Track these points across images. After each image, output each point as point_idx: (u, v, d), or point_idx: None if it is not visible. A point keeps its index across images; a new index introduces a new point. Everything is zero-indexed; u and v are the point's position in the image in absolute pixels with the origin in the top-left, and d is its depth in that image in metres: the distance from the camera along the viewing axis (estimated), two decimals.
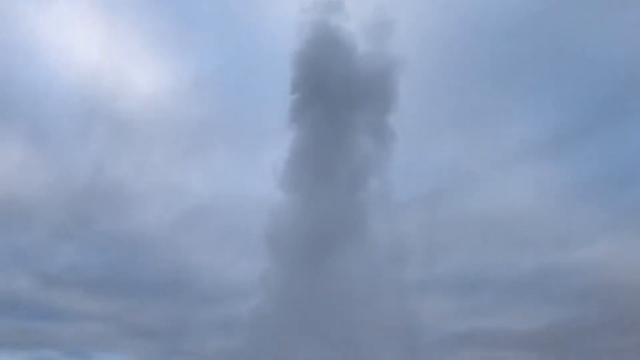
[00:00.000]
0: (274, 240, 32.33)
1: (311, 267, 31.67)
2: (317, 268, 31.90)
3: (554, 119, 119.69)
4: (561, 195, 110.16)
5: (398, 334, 36.41)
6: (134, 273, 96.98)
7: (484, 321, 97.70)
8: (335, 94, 33.84)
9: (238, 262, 32.86)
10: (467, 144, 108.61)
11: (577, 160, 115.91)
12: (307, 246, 31.86)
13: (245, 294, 34.34)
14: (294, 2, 34.87)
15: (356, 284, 34.25)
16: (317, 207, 32.47)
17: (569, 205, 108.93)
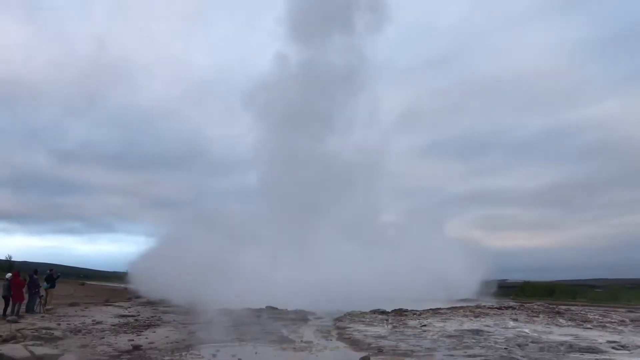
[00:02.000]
0: (266, 109, 32.79)
1: (308, 134, 32.33)
2: (317, 135, 32.55)
3: None
4: (570, 53, 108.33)
5: (403, 197, 37.75)
6: (147, 146, 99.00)
7: (493, 181, 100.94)
8: None
9: (247, 132, 33.75)
10: (474, 3, 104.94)
11: (586, 17, 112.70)
12: (305, 114, 32.32)
13: (256, 162, 35.41)
14: None
15: (362, 151, 35.22)
16: (313, 72, 32.51)
17: (577, 64, 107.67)
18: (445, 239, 33.51)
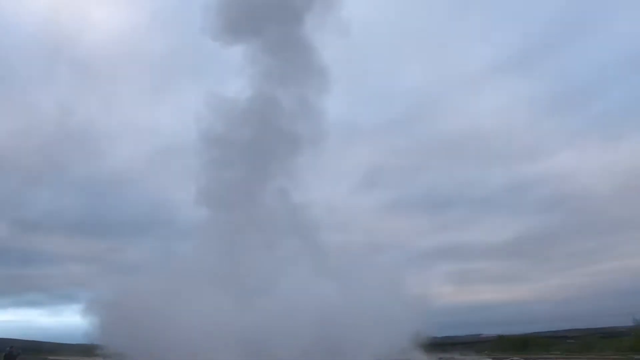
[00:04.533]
0: (223, 150, 32.95)
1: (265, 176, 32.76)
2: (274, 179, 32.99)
3: (516, 37, 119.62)
4: (526, 111, 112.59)
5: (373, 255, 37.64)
6: (112, 213, 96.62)
7: (458, 235, 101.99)
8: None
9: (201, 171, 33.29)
10: (433, 66, 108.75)
11: (540, 76, 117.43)
12: (262, 159, 32.73)
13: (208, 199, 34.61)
14: None
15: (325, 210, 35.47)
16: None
17: (534, 120, 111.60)
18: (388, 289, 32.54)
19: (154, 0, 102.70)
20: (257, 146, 32.44)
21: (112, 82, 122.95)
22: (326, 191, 37.54)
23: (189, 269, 29.20)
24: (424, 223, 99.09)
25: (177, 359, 23.28)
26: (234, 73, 35.79)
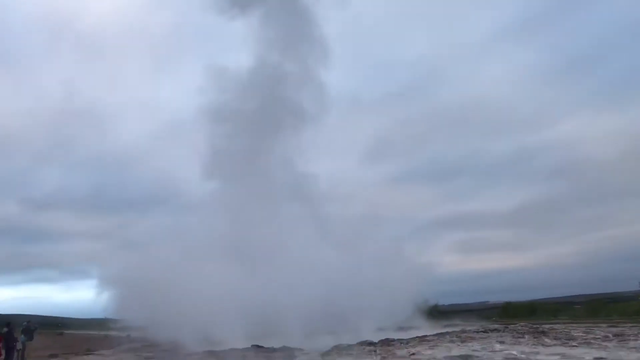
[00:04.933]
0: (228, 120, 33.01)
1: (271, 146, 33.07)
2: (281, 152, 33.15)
3: (519, 6, 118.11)
4: (529, 79, 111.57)
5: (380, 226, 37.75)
6: (120, 190, 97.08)
7: (464, 205, 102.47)
8: None
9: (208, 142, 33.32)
10: (436, 36, 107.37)
11: (543, 44, 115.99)
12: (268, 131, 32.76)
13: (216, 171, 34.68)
14: None
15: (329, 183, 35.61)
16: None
17: (537, 89, 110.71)
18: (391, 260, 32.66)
19: None
20: (261, 117, 32.41)
21: (116, 59, 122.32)
22: (331, 162, 37.62)
23: (198, 242, 29.49)
24: (429, 193, 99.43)
25: (189, 330, 23.65)
26: (236, 45, 35.61)
